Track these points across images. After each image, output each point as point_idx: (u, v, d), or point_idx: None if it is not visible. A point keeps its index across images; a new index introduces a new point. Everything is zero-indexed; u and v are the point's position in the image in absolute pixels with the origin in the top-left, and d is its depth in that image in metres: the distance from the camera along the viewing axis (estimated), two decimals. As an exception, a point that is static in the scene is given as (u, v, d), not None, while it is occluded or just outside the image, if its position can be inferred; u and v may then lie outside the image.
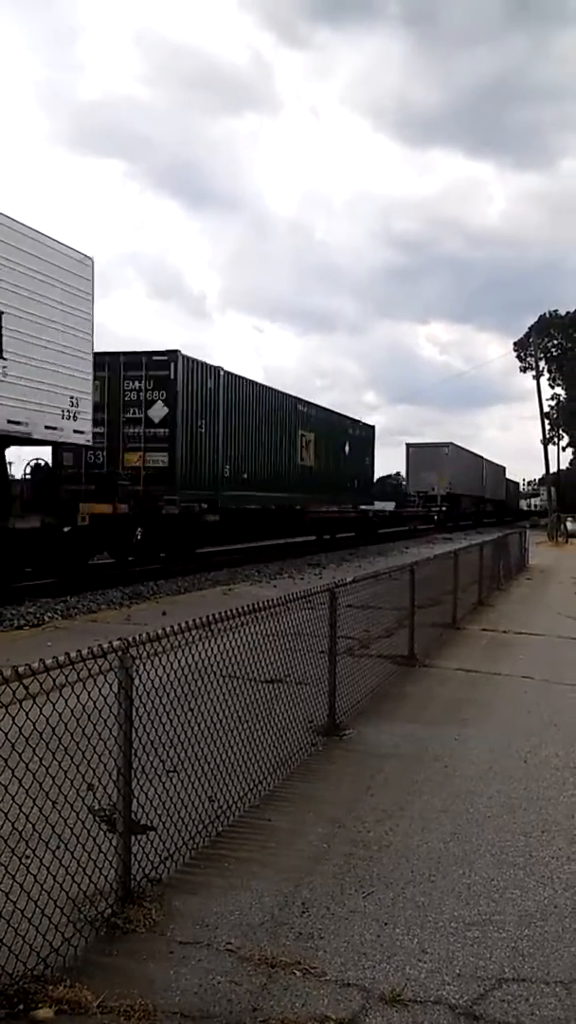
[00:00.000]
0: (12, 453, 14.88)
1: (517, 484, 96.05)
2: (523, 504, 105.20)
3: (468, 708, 7.52)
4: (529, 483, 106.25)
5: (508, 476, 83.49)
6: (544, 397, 56.91)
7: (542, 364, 67.26)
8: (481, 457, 65.23)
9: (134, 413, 19.32)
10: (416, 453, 52.83)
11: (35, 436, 14.12)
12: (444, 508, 51.89)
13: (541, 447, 52.92)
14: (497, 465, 73.67)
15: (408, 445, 53.61)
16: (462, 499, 56.06)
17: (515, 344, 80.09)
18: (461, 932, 3.56)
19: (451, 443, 54.29)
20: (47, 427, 14.30)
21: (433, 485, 50.65)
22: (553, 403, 76.83)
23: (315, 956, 3.33)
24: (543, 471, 58.28)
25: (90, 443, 16.15)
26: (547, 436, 56.80)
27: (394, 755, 6.01)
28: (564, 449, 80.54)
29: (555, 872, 4.16)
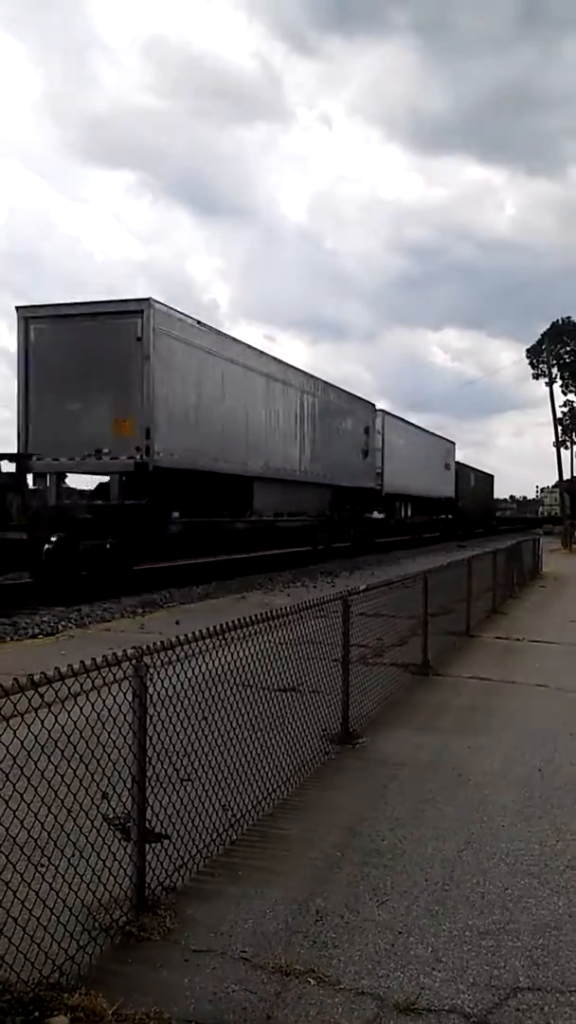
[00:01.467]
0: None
1: (489, 479, 73.17)
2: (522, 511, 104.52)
3: (482, 717, 7.49)
4: (542, 490, 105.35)
5: (472, 465, 62.97)
6: (557, 403, 56.74)
7: (555, 371, 66.98)
8: (415, 427, 42.76)
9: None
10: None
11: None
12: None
13: (554, 454, 52.69)
14: (442, 440, 49.52)
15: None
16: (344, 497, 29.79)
17: (528, 351, 79.77)
18: (475, 941, 3.55)
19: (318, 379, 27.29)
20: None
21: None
22: (566, 409, 76.50)
23: (329, 964, 3.33)
24: (556, 477, 58.01)
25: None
26: (560, 442, 56.57)
27: (408, 764, 6.00)
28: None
29: (570, 881, 4.14)
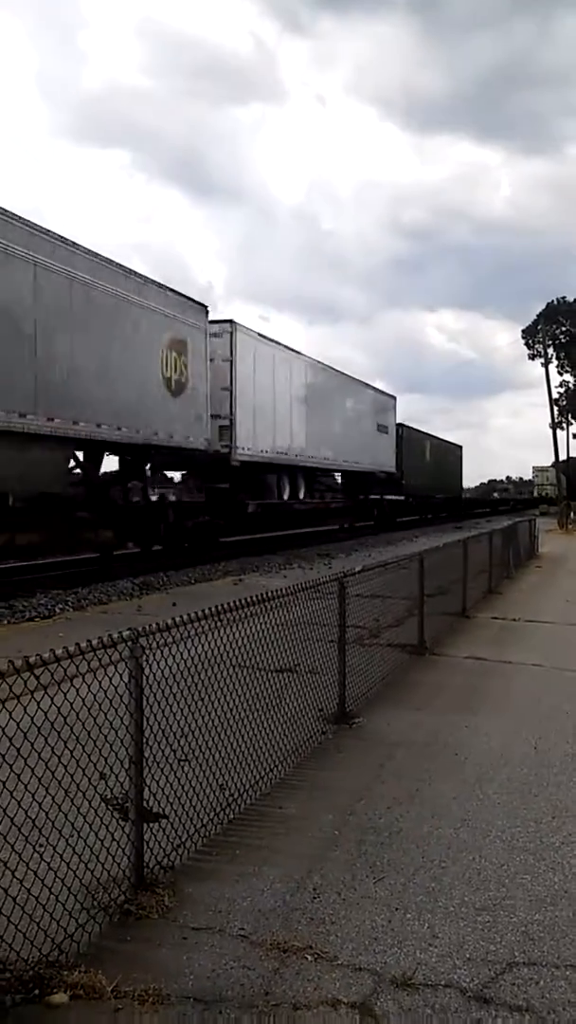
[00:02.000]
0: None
1: (456, 451, 57.97)
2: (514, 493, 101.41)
3: (478, 696, 7.53)
4: (536, 469, 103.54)
5: (432, 433, 50.26)
6: (553, 384, 56.72)
7: (551, 351, 66.89)
8: (309, 359, 28.11)
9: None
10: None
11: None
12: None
13: (550, 434, 52.62)
14: (370, 391, 35.97)
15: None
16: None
17: (523, 331, 79.61)
18: (472, 917, 3.58)
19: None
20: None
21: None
22: (562, 390, 76.46)
23: (327, 941, 3.36)
24: (552, 458, 58.07)
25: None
26: (556, 423, 56.59)
27: (404, 743, 6.04)
28: (575, 436, 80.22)
29: (566, 857, 4.18)
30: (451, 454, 56.15)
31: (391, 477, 37.89)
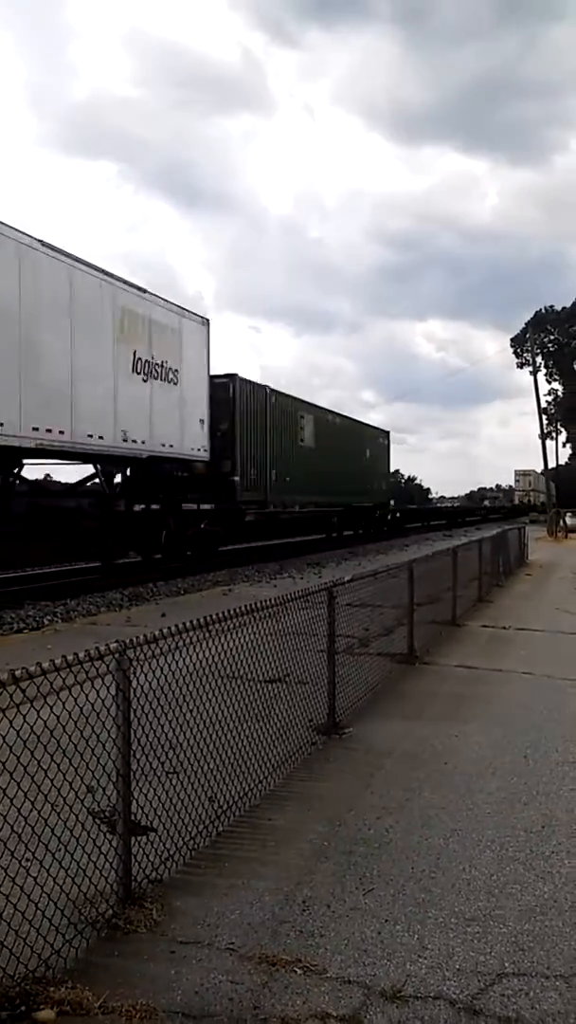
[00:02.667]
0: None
1: (382, 438, 39.89)
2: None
3: (468, 705, 7.53)
4: (521, 473, 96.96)
5: (321, 405, 31.26)
6: (542, 392, 57.03)
7: (539, 359, 67.28)
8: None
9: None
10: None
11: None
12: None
13: (539, 442, 52.79)
14: (152, 302, 17.67)
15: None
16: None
17: (512, 340, 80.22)
18: (461, 928, 3.57)
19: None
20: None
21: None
22: (551, 398, 77.01)
23: (316, 954, 3.34)
24: (542, 466, 58.22)
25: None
26: (545, 431, 56.81)
27: (394, 752, 6.02)
28: (564, 445, 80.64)
29: (555, 867, 4.17)
30: (365, 441, 36.76)
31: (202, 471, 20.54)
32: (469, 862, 4.22)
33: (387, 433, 41.73)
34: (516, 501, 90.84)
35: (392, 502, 45.05)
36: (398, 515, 44.68)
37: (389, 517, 42.64)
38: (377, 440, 39.29)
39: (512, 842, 4.47)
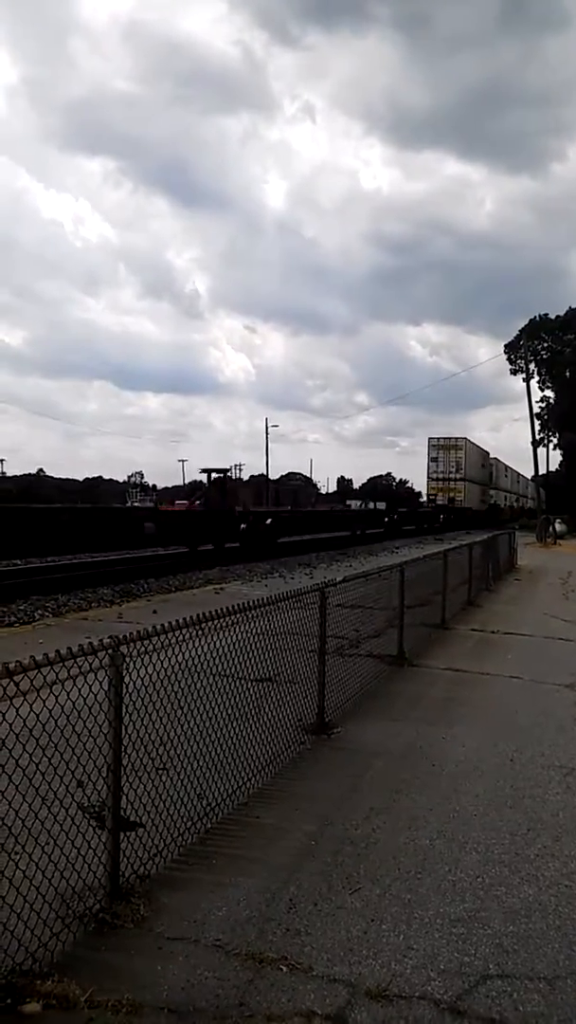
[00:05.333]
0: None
1: None
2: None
3: (456, 707, 7.56)
4: (443, 446, 75.52)
5: None
6: (534, 399, 57.17)
7: (532, 366, 67.49)
8: None
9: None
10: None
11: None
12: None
13: (531, 449, 52.86)
14: None
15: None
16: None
17: (506, 346, 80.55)
18: (447, 929, 3.59)
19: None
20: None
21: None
22: (543, 405, 77.25)
23: (302, 952, 3.36)
24: (533, 472, 58.38)
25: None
26: (537, 438, 56.93)
27: (382, 753, 6.05)
28: (553, 450, 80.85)
29: (540, 870, 4.20)
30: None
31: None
32: (455, 863, 4.24)
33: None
34: (429, 499, 60.97)
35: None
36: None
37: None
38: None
39: (497, 844, 4.50)
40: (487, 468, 70.70)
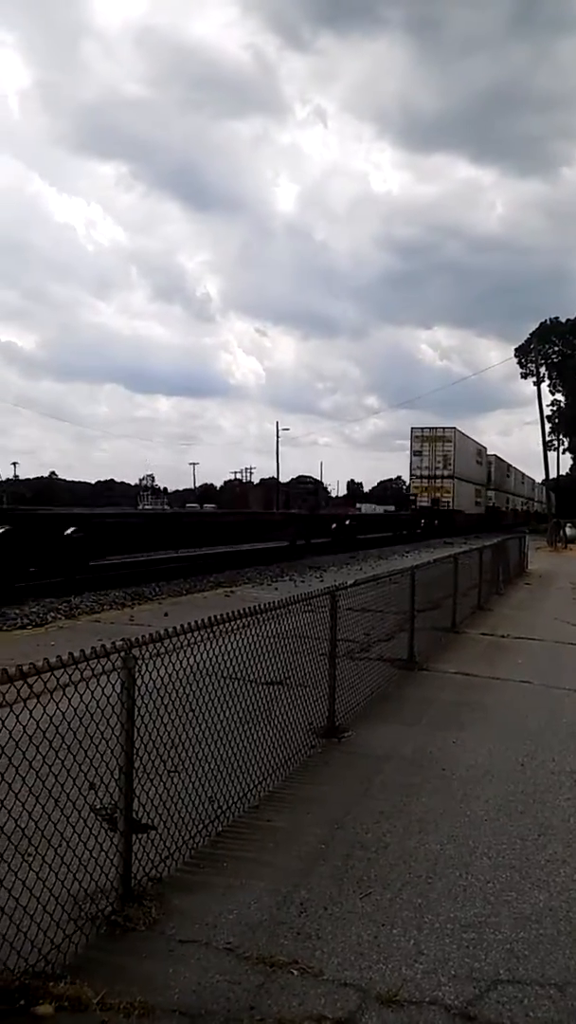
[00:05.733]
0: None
1: None
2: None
3: (466, 712, 7.55)
4: (426, 437, 51.85)
5: None
6: (545, 403, 56.82)
7: (543, 370, 67.19)
8: None
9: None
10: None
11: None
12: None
13: (541, 452, 52.67)
14: None
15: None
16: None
17: (516, 350, 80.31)
18: (457, 934, 3.59)
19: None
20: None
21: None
22: (554, 409, 77.00)
23: (312, 956, 3.37)
24: (543, 476, 58.16)
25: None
26: (547, 441, 56.72)
27: (392, 757, 6.05)
28: (563, 453, 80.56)
29: (551, 875, 4.20)
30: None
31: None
32: (465, 868, 4.24)
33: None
34: (415, 496, 52.50)
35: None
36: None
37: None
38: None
39: (508, 849, 4.49)
40: (484, 465, 63.66)
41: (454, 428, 54.47)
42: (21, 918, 3.18)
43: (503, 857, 4.39)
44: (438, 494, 52.67)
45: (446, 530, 47.97)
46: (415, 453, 52.87)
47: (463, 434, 55.33)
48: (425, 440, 52.59)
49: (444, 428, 53.83)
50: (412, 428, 53.40)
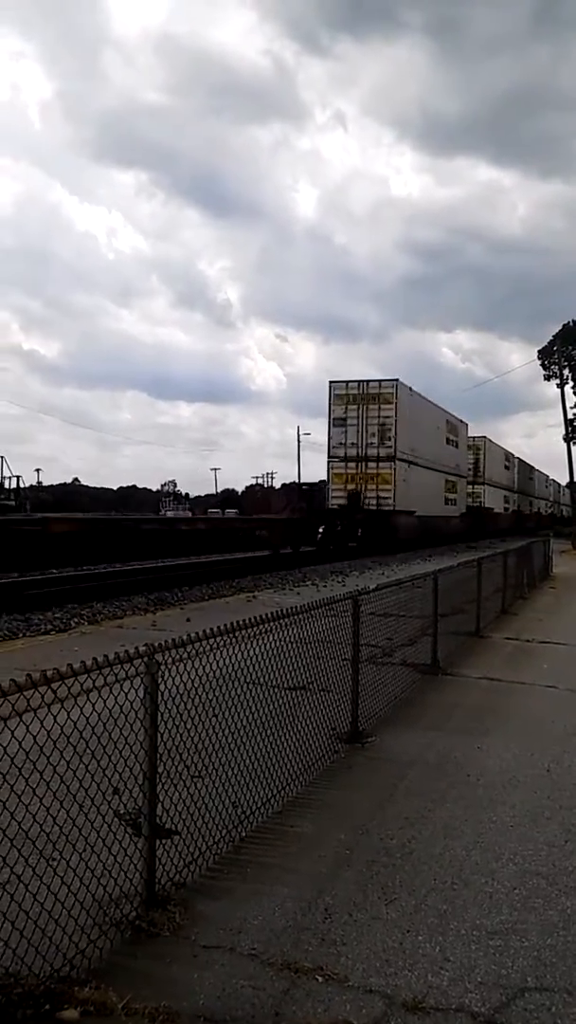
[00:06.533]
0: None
1: None
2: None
3: (491, 717, 7.49)
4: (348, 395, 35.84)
5: None
6: (568, 405, 56.40)
7: (566, 372, 66.57)
8: None
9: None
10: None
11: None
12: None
13: (566, 455, 52.09)
14: None
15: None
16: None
17: (539, 352, 79.40)
18: (483, 941, 3.56)
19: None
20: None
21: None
22: (577, 410, 76.08)
23: (337, 962, 3.35)
24: (567, 478, 57.58)
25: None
26: (571, 443, 56.12)
27: (417, 763, 6.01)
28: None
29: (579, 882, 4.14)
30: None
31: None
32: (491, 875, 4.20)
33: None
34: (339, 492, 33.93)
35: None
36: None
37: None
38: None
39: (535, 856, 4.45)
40: (463, 448, 47.31)
41: (396, 380, 34.27)
42: (47, 923, 3.20)
43: (530, 863, 4.35)
44: (368, 485, 33.64)
45: (378, 545, 32.08)
46: (337, 421, 33.87)
47: (419, 394, 37.63)
48: (348, 401, 33.73)
49: (382, 380, 34.03)
50: (330, 382, 34.27)
